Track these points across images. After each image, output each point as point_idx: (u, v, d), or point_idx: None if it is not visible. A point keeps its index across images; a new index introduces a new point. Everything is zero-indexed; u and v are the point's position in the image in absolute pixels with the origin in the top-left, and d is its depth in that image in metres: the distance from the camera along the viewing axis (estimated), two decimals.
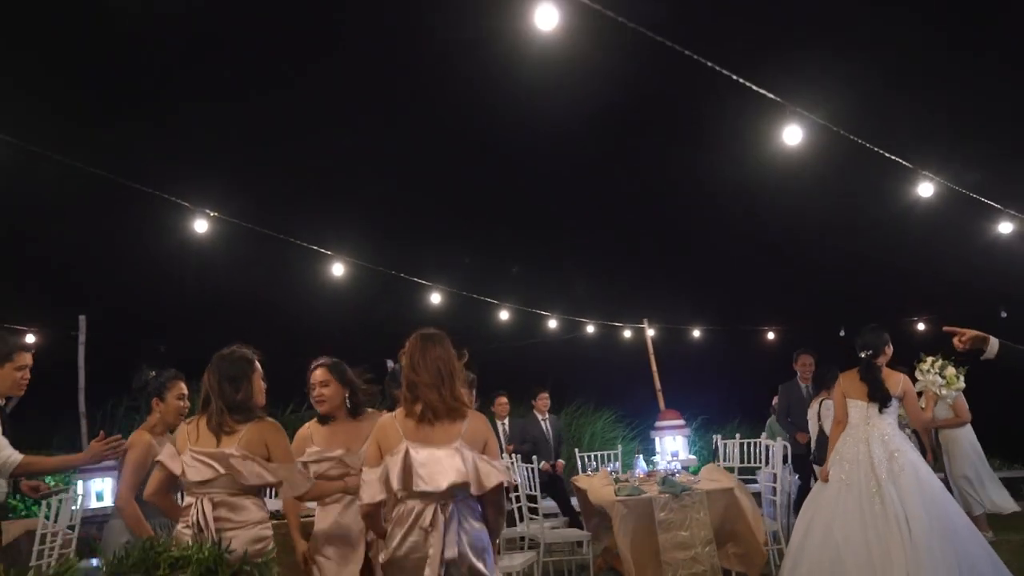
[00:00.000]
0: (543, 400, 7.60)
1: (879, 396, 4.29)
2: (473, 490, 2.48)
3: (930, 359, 5.05)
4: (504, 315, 10.93)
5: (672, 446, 11.20)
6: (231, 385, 2.72)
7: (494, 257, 13.34)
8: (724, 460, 6.76)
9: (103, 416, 10.14)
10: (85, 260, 10.01)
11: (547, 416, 7.66)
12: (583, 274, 13.55)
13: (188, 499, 2.68)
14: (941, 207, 6.47)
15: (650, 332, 11.88)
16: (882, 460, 4.12)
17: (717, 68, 4.48)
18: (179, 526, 2.66)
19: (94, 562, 1.82)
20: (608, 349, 12.50)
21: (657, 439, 11.15)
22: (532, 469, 5.82)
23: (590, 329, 12.03)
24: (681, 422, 11.43)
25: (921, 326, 12.01)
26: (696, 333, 12.56)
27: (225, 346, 2.88)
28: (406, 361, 2.65)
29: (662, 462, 5.73)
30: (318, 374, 3.24)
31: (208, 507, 2.58)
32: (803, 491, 6.48)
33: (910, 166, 5.76)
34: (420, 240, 12.50)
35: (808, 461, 7.15)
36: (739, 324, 12.88)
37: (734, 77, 4.54)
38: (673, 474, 5.39)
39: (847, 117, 5.49)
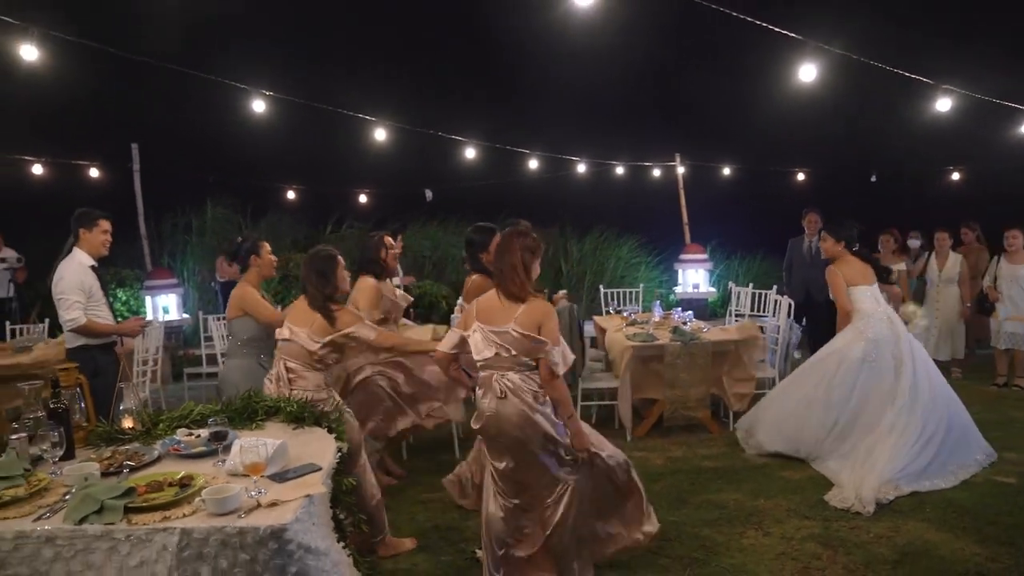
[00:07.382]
0: None
1: (881, 273, 4.72)
2: (514, 358, 2.87)
3: None
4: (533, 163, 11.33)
5: (694, 278, 11.78)
6: (321, 279, 3.31)
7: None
8: (736, 306, 7.24)
9: (159, 235, 10.95)
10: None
11: None
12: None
13: (276, 356, 3.36)
14: None
15: (680, 169, 11.99)
16: (905, 337, 4.48)
17: None
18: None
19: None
20: (639, 183, 12.69)
21: (680, 271, 11.70)
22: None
23: (619, 170, 12.16)
24: (704, 256, 11.88)
25: (956, 175, 11.95)
26: (726, 171, 12.60)
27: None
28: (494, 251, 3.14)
29: (676, 313, 6.20)
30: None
31: (283, 367, 3.26)
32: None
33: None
34: (447, 102, 12.65)
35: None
36: (770, 165, 12.84)
37: None
38: (685, 323, 5.91)
39: None
